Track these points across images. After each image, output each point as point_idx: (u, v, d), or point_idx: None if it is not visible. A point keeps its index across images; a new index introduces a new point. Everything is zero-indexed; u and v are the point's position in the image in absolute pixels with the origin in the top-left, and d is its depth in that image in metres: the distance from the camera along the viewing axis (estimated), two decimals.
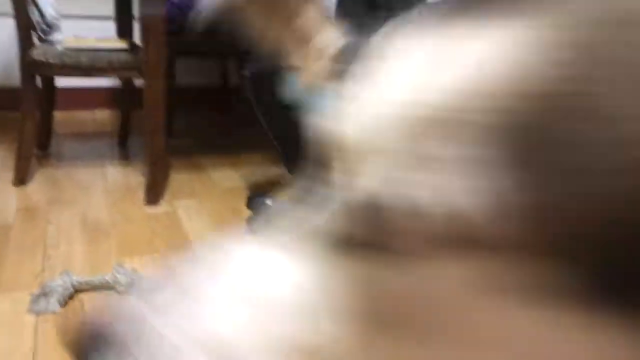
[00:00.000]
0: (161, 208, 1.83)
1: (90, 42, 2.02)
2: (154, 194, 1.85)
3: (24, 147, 1.95)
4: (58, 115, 2.41)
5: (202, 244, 0.35)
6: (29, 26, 1.91)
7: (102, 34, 2.22)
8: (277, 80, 1.52)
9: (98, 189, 1.98)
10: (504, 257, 0.26)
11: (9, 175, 1.97)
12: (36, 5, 1.99)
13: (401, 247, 0.28)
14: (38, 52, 1.87)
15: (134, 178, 2.04)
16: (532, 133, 0.26)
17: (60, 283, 1.27)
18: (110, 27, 2.40)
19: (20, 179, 1.96)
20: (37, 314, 1.22)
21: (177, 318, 0.33)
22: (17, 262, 1.43)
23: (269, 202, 1.64)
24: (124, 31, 2.35)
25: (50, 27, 2.06)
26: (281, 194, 1.85)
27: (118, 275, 1.31)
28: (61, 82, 2.33)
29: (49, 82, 2.28)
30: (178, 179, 2.12)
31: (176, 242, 1.58)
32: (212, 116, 3.29)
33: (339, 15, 1.46)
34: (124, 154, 2.44)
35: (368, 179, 0.29)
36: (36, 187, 1.99)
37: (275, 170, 2.30)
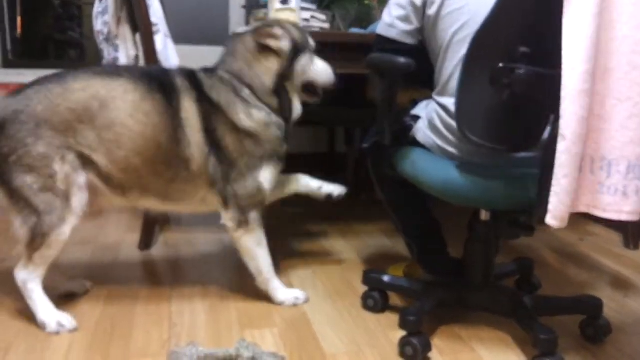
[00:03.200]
0: None
1: None
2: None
3: (149, 213, 2.06)
4: None
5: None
6: None
7: None
8: (394, 153, 1.52)
9: (216, 256, 2.04)
10: None
11: (133, 238, 2.09)
12: None
13: None
14: None
15: None
16: None
17: (187, 353, 1.30)
18: None
19: (146, 244, 2.07)
20: None
21: None
22: (145, 329, 1.48)
23: (385, 279, 1.61)
24: None
25: None
26: (397, 270, 1.82)
27: (241, 350, 1.32)
28: None
29: None
30: (289, 246, 2.15)
31: (292, 315, 1.59)
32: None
33: None
34: None
35: None
36: (159, 252, 2.09)
37: (386, 243, 2.28)
